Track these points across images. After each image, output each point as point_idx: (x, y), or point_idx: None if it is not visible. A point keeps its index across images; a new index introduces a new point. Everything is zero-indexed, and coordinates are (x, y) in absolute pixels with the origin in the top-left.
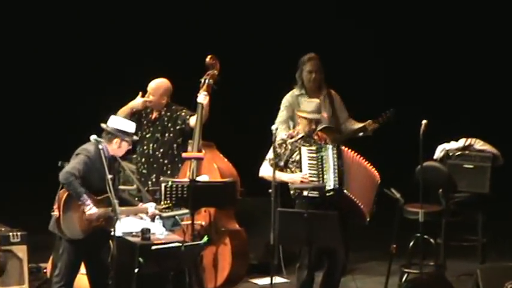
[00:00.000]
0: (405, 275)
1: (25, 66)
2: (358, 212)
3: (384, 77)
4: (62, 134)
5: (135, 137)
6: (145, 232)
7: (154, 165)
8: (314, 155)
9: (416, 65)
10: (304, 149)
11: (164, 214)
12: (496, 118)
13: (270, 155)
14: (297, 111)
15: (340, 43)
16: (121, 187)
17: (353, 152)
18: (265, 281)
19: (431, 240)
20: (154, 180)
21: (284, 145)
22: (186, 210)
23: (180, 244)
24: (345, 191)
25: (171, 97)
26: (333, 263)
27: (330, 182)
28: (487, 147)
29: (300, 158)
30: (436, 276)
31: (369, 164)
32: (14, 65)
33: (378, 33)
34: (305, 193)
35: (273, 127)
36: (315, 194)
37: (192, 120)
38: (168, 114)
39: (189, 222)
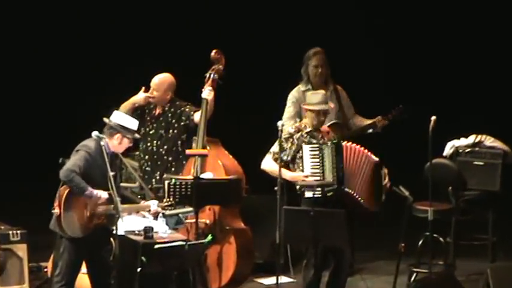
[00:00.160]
0: (414, 275)
1: (25, 66)
2: (362, 206)
3: (392, 73)
4: (61, 133)
5: (137, 135)
6: (148, 231)
7: (159, 163)
8: (316, 153)
9: (425, 61)
10: (306, 147)
11: (167, 212)
12: (507, 114)
13: (275, 148)
14: (303, 105)
15: (346, 39)
16: (123, 184)
17: (352, 144)
18: (271, 280)
19: (441, 239)
20: (158, 177)
21: (291, 139)
22: (190, 208)
23: (184, 243)
24: (346, 189)
25: (175, 92)
26: (340, 262)
27: (329, 179)
28: (497, 143)
29: (302, 156)
30: (445, 275)
31: (365, 150)
32: (13, 64)
33: (385, 29)
34: (307, 194)
35: (279, 123)
36: (317, 193)
37: (197, 116)
38: (172, 110)
39: (193, 220)
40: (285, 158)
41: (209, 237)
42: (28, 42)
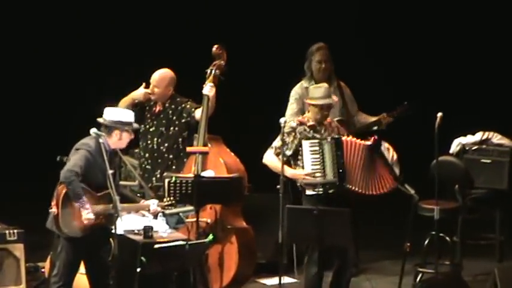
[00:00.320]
0: (420, 275)
1: (23, 65)
2: (371, 195)
3: (397, 69)
4: (59, 132)
5: (135, 125)
6: (147, 230)
7: (159, 161)
8: (316, 149)
9: (431, 57)
10: (305, 142)
11: (167, 211)
12: None
13: (277, 143)
14: (305, 100)
15: (349, 35)
16: (122, 183)
17: (352, 138)
18: (274, 281)
19: (447, 238)
20: (158, 176)
21: (293, 133)
22: (191, 207)
23: (184, 242)
24: (348, 185)
25: (175, 89)
26: (343, 262)
27: (330, 177)
28: (505, 141)
29: (302, 152)
30: (452, 276)
31: (362, 140)
32: (11, 64)
33: (390, 24)
34: (308, 192)
35: (282, 120)
36: (319, 191)
37: (198, 113)
38: (173, 106)
39: (194, 219)
40: (287, 152)
41: (210, 237)
42: (27, 42)
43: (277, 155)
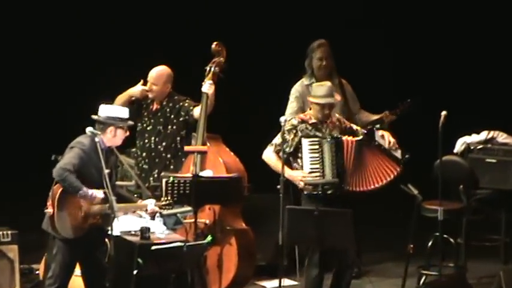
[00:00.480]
0: (423, 277)
1: (20, 66)
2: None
3: (400, 66)
4: (53, 130)
5: (130, 122)
6: (144, 231)
7: (157, 160)
8: (315, 147)
9: (435, 53)
10: (305, 141)
11: (165, 212)
12: None
13: (277, 140)
14: (308, 98)
15: (350, 31)
16: (119, 183)
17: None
18: (274, 283)
19: (451, 239)
20: (156, 175)
21: (294, 131)
22: (189, 208)
23: (182, 244)
24: (347, 187)
25: (173, 87)
26: (343, 263)
27: (328, 177)
28: (510, 140)
29: (302, 151)
30: (456, 278)
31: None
32: (6, 64)
33: (392, 20)
34: (306, 192)
35: (282, 119)
36: (317, 191)
37: (196, 111)
38: (170, 105)
39: (192, 220)
40: (287, 149)
41: (209, 238)
42: (25, 42)
43: (277, 152)
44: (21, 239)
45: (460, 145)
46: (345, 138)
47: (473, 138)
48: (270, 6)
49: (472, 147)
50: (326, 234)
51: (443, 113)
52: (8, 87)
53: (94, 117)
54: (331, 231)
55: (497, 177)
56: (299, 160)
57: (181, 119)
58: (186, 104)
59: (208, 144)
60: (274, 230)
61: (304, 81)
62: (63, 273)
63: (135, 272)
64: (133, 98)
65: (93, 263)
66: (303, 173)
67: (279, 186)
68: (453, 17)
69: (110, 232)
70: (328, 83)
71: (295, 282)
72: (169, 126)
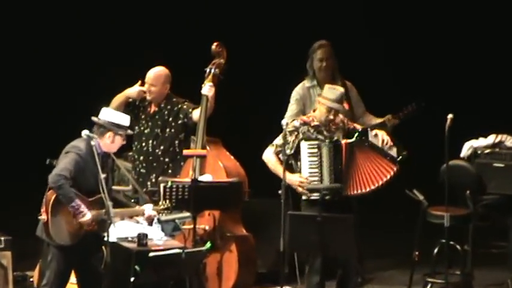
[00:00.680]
0: (429, 285)
1: (18, 67)
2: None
3: (405, 68)
4: (48, 134)
5: (129, 131)
6: (142, 237)
7: (154, 164)
8: (314, 151)
9: (442, 56)
10: (304, 144)
11: (163, 217)
12: None
13: (278, 141)
14: (317, 98)
15: (355, 33)
16: (115, 187)
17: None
18: None
19: (458, 246)
20: (153, 180)
21: (296, 133)
22: (188, 214)
23: (181, 251)
24: (346, 192)
25: (171, 88)
26: (346, 271)
27: (326, 182)
28: None
29: (300, 154)
30: (462, 286)
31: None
32: (4, 66)
33: (398, 22)
34: (304, 197)
35: (283, 122)
36: (315, 196)
37: (196, 114)
38: (169, 107)
39: (191, 226)
40: (287, 151)
41: (208, 245)
42: (24, 42)
43: (277, 153)
44: (15, 246)
45: (466, 149)
46: (344, 142)
47: (481, 142)
48: (270, 8)
49: (479, 152)
50: (328, 240)
51: (450, 116)
52: (4, 91)
53: (94, 119)
54: (332, 238)
55: (505, 182)
56: (299, 163)
57: (179, 121)
58: (185, 107)
59: (207, 148)
60: (275, 236)
61: (306, 83)
62: (58, 280)
63: (132, 279)
64: (130, 100)
65: (89, 271)
66: (301, 178)
67: (280, 191)
68: (460, 18)
69: (106, 238)
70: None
71: None
72: (168, 129)
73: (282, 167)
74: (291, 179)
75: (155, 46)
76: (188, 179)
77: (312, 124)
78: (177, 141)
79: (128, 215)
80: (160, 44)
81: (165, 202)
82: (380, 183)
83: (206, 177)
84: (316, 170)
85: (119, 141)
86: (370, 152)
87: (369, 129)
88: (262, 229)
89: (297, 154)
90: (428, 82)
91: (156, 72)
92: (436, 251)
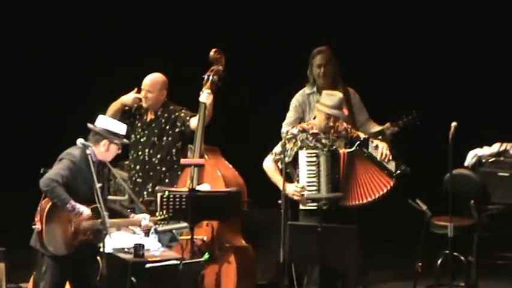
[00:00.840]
0: None
1: (9, 74)
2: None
3: (409, 75)
4: (44, 143)
5: (125, 140)
6: (138, 248)
7: (151, 173)
8: (313, 160)
9: (445, 63)
10: (302, 153)
11: (160, 228)
12: None
13: (277, 149)
14: (316, 104)
15: (359, 38)
16: (111, 197)
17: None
18: None
19: (462, 257)
20: (150, 190)
21: (294, 140)
22: (185, 224)
23: (178, 262)
24: (343, 202)
25: (168, 96)
26: (346, 282)
27: (323, 191)
28: None
29: (298, 163)
30: None
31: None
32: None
33: (402, 27)
34: (301, 206)
35: (283, 130)
36: (312, 206)
37: (193, 122)
38: (166, 115)
39: (189, 237)
40: (286, 159)
41: (206, 256)
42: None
43: (276, 162)
44: (8, 257)
45: (471, 158)
46: (342, 151)
47: (485, 150)
48: (272, 13)
49: (483, 160)
50: (330, 251)
51: (453, 124)
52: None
53: (90, 126)
54: (335, 249)
55: (510, 191)
56: (297, 171)
57: (177, 130)
58: (182, 114)
59: (205, 156)
60: (275, 247)
61: (306, 90)
62: None
63: None
64: (126, 108)
65: (84, 282)
66: (297, 187)
67: (280, 201)
68: (463, 25)
69: (101, 249)
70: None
71: None
72: (165, 138)
73: (279, 176)
74: (288, 188)
75: (152, 52)
76: (186, 189)
77: (311, 132)
78: (174, 150)
79: (124, 224)
80: (158, 50)
81: (162, 212)
82: (376, 195)
83: (204, 187)
84: (314, 180)
85: (113, 150)
86: (369, 164)
87: (370, 140)
88: (261, 240)
89: (295, 162)
90: (432, 90)
91: (153, 79)
92: (439, 262)
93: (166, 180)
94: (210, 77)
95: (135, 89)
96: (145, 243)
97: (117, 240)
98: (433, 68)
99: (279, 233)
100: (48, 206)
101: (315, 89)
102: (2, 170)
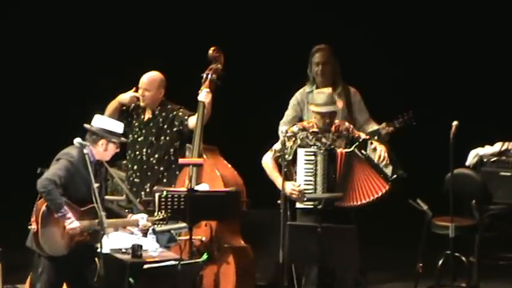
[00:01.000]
0: None
1: (13, 68)
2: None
3: (410, 75)
4: (41, 142)
5: (123, 139)
6: (136, 249)
7: (149, 173)
8: (311, 158)
9: (446, 62)
10: (300, 151)
11: (158, 228)
12: None
13: (277, 146)
14: (308, 106)
15: (359, 37)
16: (109, 197)
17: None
18: None
19: (463, 258)
20: (148, 190)
21: (293, 138)
22: (184, 224)
23: (176, 262)
24: (337, 202)
25: (165, 95)
26: (343, 283)
27: (319, 191)
28: None
29: (297, 161)
30: None
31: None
32: None
33: (402, 26)
34: (298, 205)
35: (283, 129)
36: (308, 204)
37: (192, 121)
38: (163, 114)
39: (187, 237)
40: (286, 156)
41: (204, 256)
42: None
43: (275, 159)
44: (4, 257)
45: (472, 157)
46: (339, 150)
47: (487, 150)
48: (266, 16)
49: (485, 160)
50: (329, 252)
51: (455, 123)
52: None
53: (87, 126)
54: (334, 249)
55: (511, 191)
56: (296, 169)
57: (175, 129)
58: (181, 113)
59: (204, 156)
60: (274, 247)
61: (306, 88)
62: None
63: None
64: (124, 108)
65: (82, 283)
66: (294, 186)
67: (279, 201)
68: (465, 25)
69: (99, 250)
70: (327, 90)
71: None
72: (162, 137)
73: (277, 173)
74: (285, 186)
75: (152, 52)
76: (184, 189)
77: (311, 130)
78: (172, 150)
79: (121, 225)
80: (156, 48)
81: (161, 212)
82: (370, 198)
83: (203, 187)
84: (311, 178)
85: (112, 149)
86: (366, 165)
87: (369, 141)
88: (261, 240)
89: (294, 160)
90: (434, 89)
91: (150, 77)
92: (440, 262)
93: (164, 180)
94: (209, 76)
95: (134, 88)
96: (143, 244)
97: (115, 241)
98: (435, 67)
99: (278, 233)
100: (44, 207)
101: (314, 87)
102: None
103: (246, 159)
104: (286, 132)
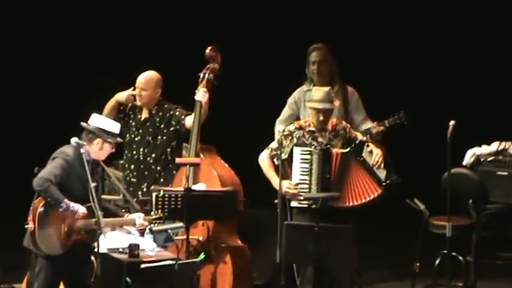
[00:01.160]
0: None
1: (13, 68)
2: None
3: (406, 74)
4: (38, 142)
5: (119, 139)
6: (133, 248)
7: (146, 173)
8: (307, 157)
9: (443, 61)
10: (296, 149)
11: (155, 228)
12: None
13: (273, 144)
14: (306, 102)
15: (353, 35)
16: (106, 197)
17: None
18: None
19: (460, 257)
20: (145, 189)
21: (290, 137)
22: (181, 224)
23: (174, 262)
24: (331, 202)
25: (162, 94)
26: (341, 282)
27: (313, 190)
28: None
29: (293, 159)
30: None
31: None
32: None
33: (399, 27)
34: (292, 204)
35: (280, 128)
36: (303, 204)
37: (189, 121)
38: (160, 114)
39: (184, 237)
40: (282, 155)
41: (201, 256)
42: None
43: (272, 157)
44: (1, 257)
45: (469, 157)
46: (335, 150)
47: (484, 149)
48: (266, 15)
49: (482, 159)
50: (327, 251)
51: (452, 122)
52: None
53: (83, 124)
54: (331, 249)
55: (509, 190)
56: (292, 168)
57: (171, 128)
58: (177, 113)
59: (201, 155)
60: (271, 247)
61: (304, 87)
62: None
63: None
64: (121, 107)
65: (78, 282)
66: (290, 184)
67: (276, 201)
68: (462, 24)
69: (96, 249)
70: (327, 88)
71: None
72: (159, 137)
73: (273, 171)
74: (278, 184)
75: (147, 50)
76: (181, 188)
77: (308, 129)
78: (169, 149)
79: (118, 224)
80: (153, 48)
81: (157, 212)
82: (362, 201)
83: (200, 186)
84: (306, 178)
85: (107, 149)
86: (361, 167)
87: (366, 143)
88: (258, 240)
89: (290, 159)
90: (430, 88)
91: (147, 77)
92: (437, 262)
93: (161, 180)
94: (206, 75)
95: (132, 88)
96: (140, 243)
97: (112, 240)
98: (432, 67)
99: (275, 232)
100: (40, 206)
101: (312, 86)
102: None
103: (243, 158)
104: (283, 131)
